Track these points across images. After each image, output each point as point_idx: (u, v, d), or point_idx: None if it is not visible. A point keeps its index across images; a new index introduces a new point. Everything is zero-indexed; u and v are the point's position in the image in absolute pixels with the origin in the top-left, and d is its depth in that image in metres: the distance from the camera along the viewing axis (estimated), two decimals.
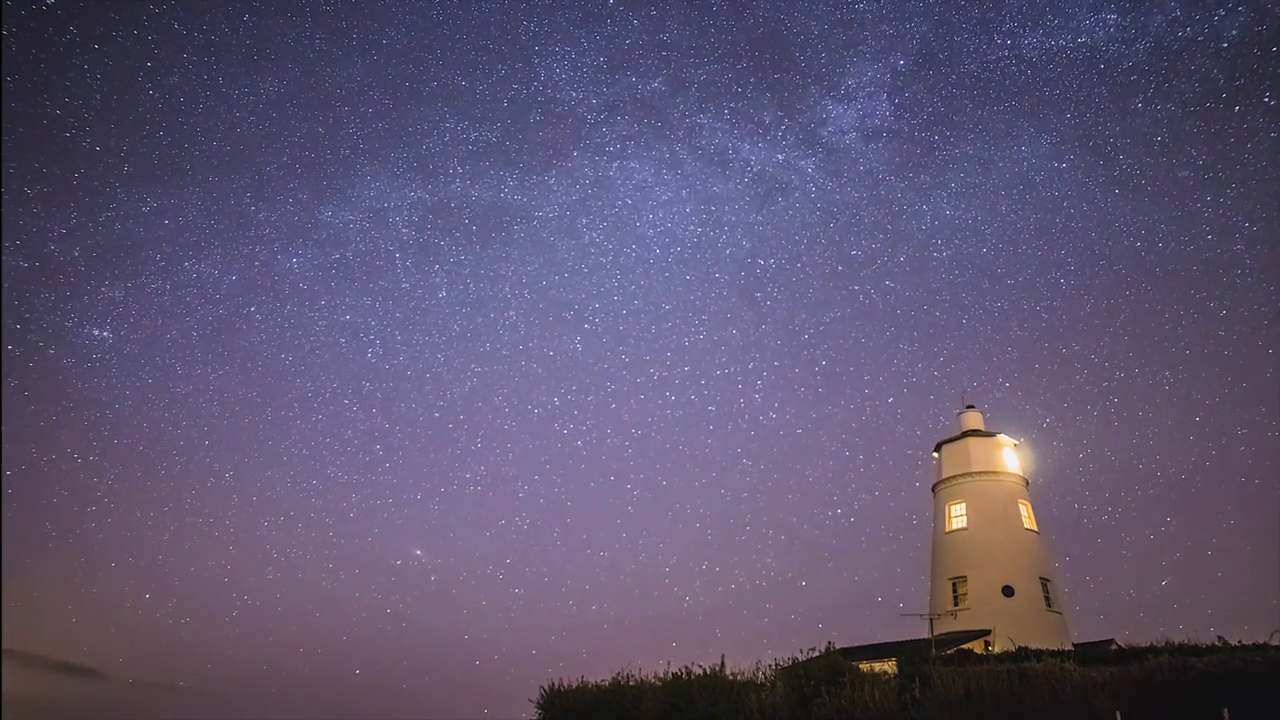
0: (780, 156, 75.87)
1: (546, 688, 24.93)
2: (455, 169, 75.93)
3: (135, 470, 71.51)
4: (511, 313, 77.96)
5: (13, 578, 64.64)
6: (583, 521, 79.06)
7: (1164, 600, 62.04)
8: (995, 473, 34.48)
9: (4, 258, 65.16)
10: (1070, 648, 28.14)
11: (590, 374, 78.10)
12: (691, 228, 77.65)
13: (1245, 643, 20.00)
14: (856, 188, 76.82)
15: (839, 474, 75.89)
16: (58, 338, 68.84)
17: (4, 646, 60.26)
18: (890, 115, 75.57)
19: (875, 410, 74.94)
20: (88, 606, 67.94)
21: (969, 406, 37.73)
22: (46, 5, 63.61)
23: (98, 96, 68.47)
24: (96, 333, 69.64)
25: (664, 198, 77.38)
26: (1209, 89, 66.60)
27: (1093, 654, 24.46)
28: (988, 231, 73.71)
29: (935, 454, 37.25)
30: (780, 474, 77.71)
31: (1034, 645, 24.88)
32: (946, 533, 34.23)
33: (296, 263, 75.22)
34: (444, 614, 76.14)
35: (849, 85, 74.42)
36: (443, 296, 77.75)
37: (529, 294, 78.29)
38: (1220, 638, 20.46)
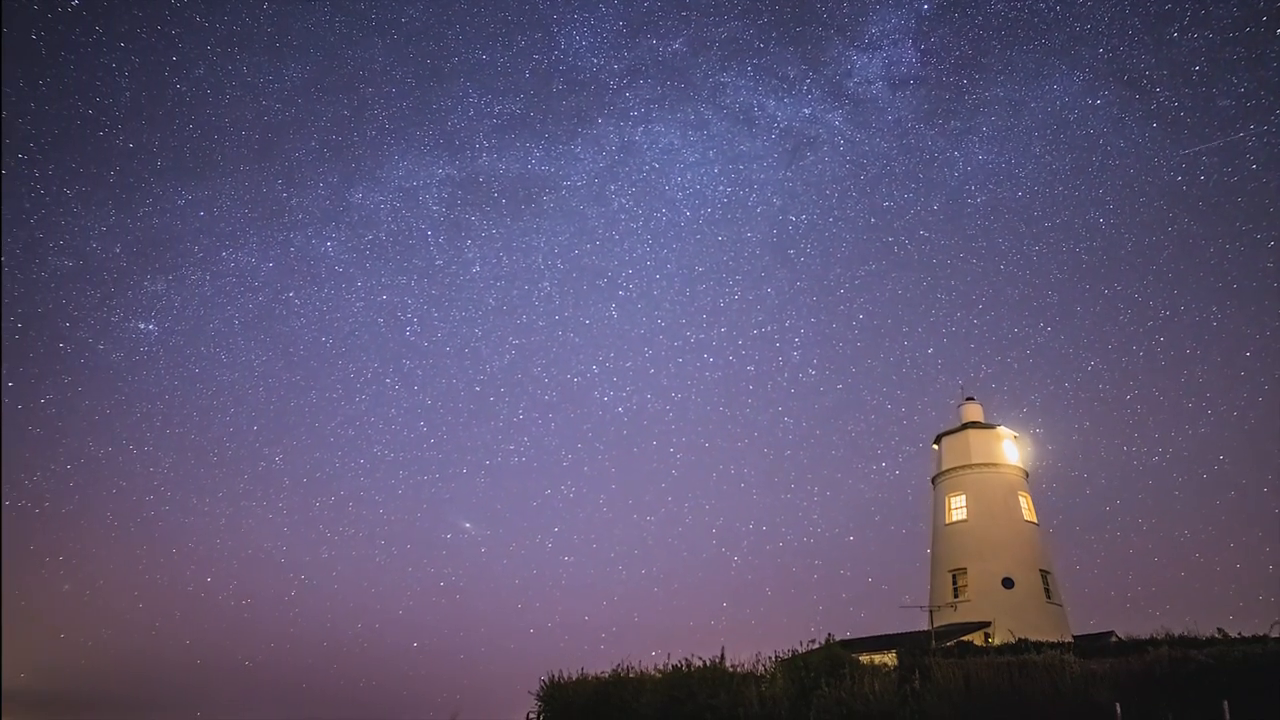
0: (807, 111, 76.00)
1: (546, 679, 24.92)
2: (481, 143, 76.71)
3: (188, 458, 73.84)
4: (545, 283, 78.90)
5: (81, 568, 67.43)
6: (628, 487, 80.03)
7: (1175, 582, 61.70)
8: (995, 465, 34.44)
9: (49, 258, 67.52)
10: (1070, 640, 28.14)
11: (627, 340, 78.97)
12: (721, 188, 77.74)
13: (1245, 634, 19.98)
14: (886, 138, 76.59)
15: (882, 428, 76.18)
16: (105, 333, 70.94)
17: (69, 635, 61.39)
18: (916, 62, 74.98)
19: (915, 361, 74.73)
20: (153, 592, 70.00)
21: (969, 398, 37.66)
22: (72, 6, 63.92)
23: (127, 94, 69.82)
24: (142, 326, 71.71)
25: (691, 159, 77.74)
26: (1248, 13, 64.85)
27: (1093, 646, 24.45)
28: (1022, 174, 72.91)
29: (935, 446, 37.19)
30: (823, 430, 77.93)
31: (1034, 637, 24.86)
32: (946, 524, 34.22)
33: (330, 246, 76.49)
34: (496, 584, 78.01)
35: (873, 34, 74.12)
36: (476, 271, 78.72)
37: (562, 264, 79.26)
38: (1220, 630, 20.44)
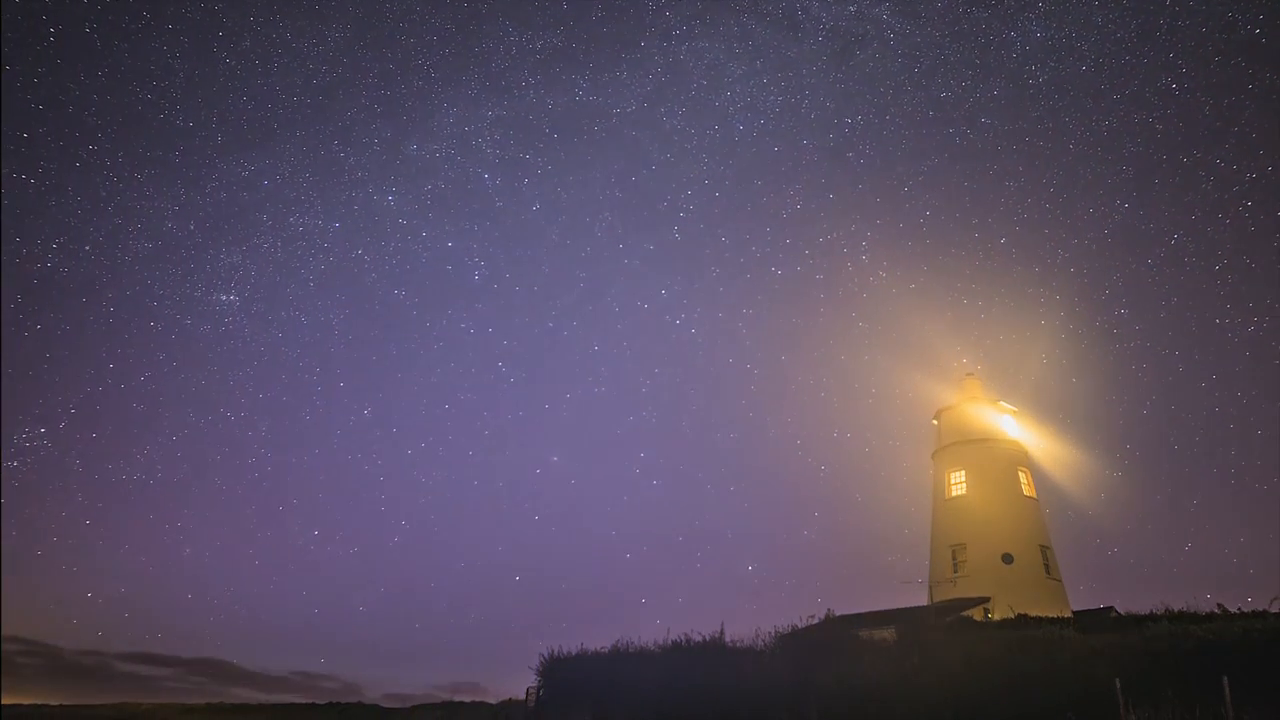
0: (852, 8, 73.55)
1: (546, 655, 25.08)
2: (527, 80, 76.50)
3: (283, 420, 76.16)
4: (606, 214, 79.10)
5: (197, 533, 71.26)
6: (708, 407, 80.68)
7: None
8: (995, 440, 34.37)
9: (130, 242, 69.40)
10: (1070, 615, 28.23)
11: (693, 261, 79.17)
12: (771, 97, 75.93)
13: (1244, 610, 19.99)
14: (937, 26, 73.13)
15: (960, 325, 74.44)
16: (190, 308, 73.39)
17: (195, 597, 65.66)
18: None
19: (989, 253, 72.39)
20: (266, 549, 73.80)
21: (969, 374, 37.53)
22: None
23: (180, 75, 71.27)
24: (224, 297, 73.96)
25: (739, 72, 76.08)
26: None
27: (1092, 621, 24.52)
28: (1085, 47, 69.17)
29: (935, 421, 37.11)
30: (899, 332, 77.54)
31: (1033, 612, 24.94)
32: (946, 500, 34.22)
33: (392, 200, 77.42)
34: (588, 514, 79.94)
35: None
36: (537, 209, 79.00)
37: (619, 192, 79.04)
38: (1220, 605, 20.44)
